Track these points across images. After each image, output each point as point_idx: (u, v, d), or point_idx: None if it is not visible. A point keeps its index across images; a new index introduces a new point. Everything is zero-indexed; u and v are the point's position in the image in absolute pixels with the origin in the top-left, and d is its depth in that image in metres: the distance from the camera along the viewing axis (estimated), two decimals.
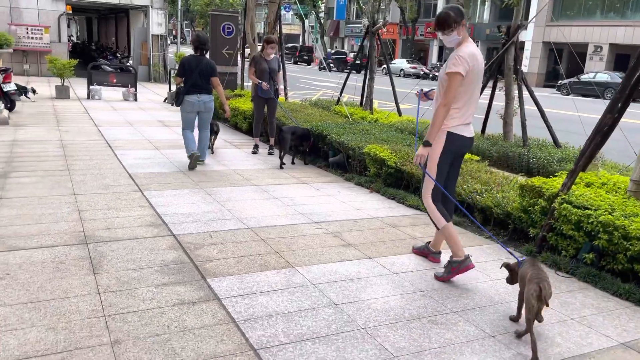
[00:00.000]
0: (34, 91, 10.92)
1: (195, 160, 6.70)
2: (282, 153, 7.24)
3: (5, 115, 9.27)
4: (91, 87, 14.05)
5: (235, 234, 4.40)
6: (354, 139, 7.06)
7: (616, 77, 27.52)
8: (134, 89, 14.41)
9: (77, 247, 3.94)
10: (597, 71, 28.88)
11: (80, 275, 3.47)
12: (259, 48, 8.50)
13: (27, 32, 18.98)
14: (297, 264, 3.88)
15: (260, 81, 7.72)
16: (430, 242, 4.25)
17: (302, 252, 4.12)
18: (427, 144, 3.66)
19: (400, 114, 11.45)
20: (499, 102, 8.68)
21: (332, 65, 40.93)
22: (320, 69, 40.04)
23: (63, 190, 5.41)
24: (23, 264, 3.60)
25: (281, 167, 7.18)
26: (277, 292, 3.40)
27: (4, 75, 10.35)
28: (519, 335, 3.03)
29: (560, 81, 28.98)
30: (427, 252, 4.21)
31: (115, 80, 14.69)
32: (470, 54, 3.54)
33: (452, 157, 3.77)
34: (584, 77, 28.16)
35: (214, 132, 7.81)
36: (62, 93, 13.65)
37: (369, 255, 4.14)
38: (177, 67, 7.14)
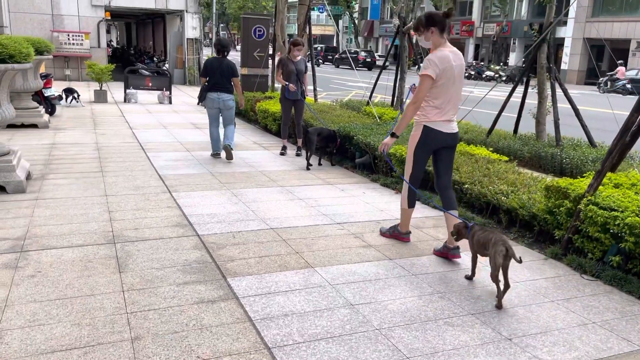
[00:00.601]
0: (60, 98, 11.36)
1: (228, 153, 7.47)
2: (308, 154, 7.30)
3: (45, 120, 9.66)
4: (128, 90, 14.48)
5: (258, 235, 4.47)
6: (380, 140, 7.05)
7: None
8: (168, 92, 14.76)
9: (105, 246, 4.10)
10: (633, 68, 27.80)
11: (106, 274, 3.61)
12: None
13: (69, 39, 19.70)
14: (316, 264, 3.92)
15: (287, 83, 7.81)
16: (446, 240, 4.24)
17: (322, 252, 4.16)
18: (393, 135, 4.17)
19: None
20: (532, 101, 8.52)
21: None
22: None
23: (95, 191, 5.62)
24: (54, 262, 3.77)
25: (308, 169, 7.25)
26: (294, 292, 3.45)
27: (45, 80, 10.78)
28: (498, 307, 3.40)
29: (601, 79, 28.06)
30: (446, 252, 4.20)
31: (150, 84, 15.09)
32: (440, 58, 3.87)
33: (429, 150, 4.17)
34: (628, 74, 27.14)
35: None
36: (100, 97, 14.11)
37: (388, 257, 4.15)
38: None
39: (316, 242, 4.37)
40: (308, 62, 9.14)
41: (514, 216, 4.88)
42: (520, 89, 8.91)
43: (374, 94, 12.02)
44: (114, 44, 53.37)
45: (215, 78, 7.33)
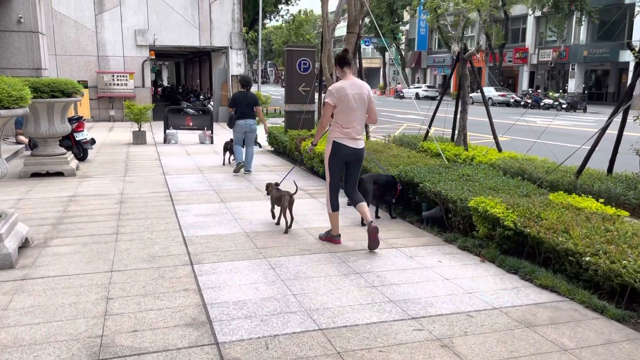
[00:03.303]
0: (93, 142, 10.56)
1: (239, 167, 9.15)
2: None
3: (72, 167, 8.82)
4: (167, 131, 13.72)
5: (301, 342, 3.15)
6: (453, 188, 5.67)
7: None
8: (210, 132, 13.91)
9: None
10: None
11: None
12: None
13: (113, 79, 19.45)
14: None
15: None
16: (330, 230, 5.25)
17: None
18: (313, 145, 5.44)
19: (500, 149, 9.85)
20: (634, 133, 6.92)
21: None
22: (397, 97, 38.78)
23: (100, 264, 4.49)
24: None
25: (363, 224, 5.92)
26: None
27: (76, 124, 10.05)
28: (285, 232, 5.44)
29: None
30: (330, 238, 5.25)
31: (192, 123, 14.30)
32: (336, 88, 4.86)
33: (339, 161, 5.07)
34: None
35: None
36: (139, 138, 13.40)
37: None
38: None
39: (387, 357, 3.01)
40: None
41: None
42: (617, 119, 7.32)
43: (428, 128, 10.64)
44: (165, 83, 54.76)
45: (241, 108, 8.87)
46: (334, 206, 5.15)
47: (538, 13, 38.05)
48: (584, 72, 38.64)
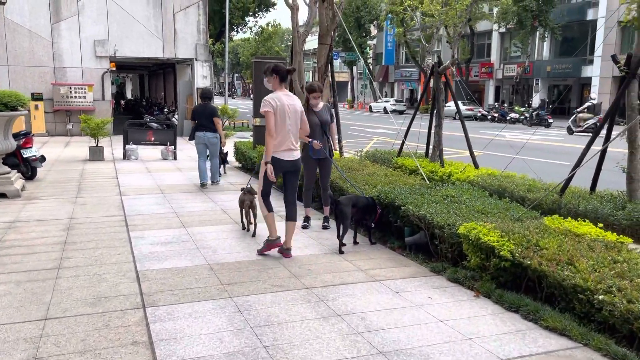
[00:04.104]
0: (43, 159, 9.74)
1: (203, 187, 9.12)
2: (341, 233, 5.41)
3: (17, 187, 7.98)
4: (127, 146, 12.90)
5: None
6: (439, 212, 5.17)
7: None
8: (173, 147, 13.15)
9: None
10: None
11: None
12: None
13: (70, 91, 18.45)
14: None
15: (310, 140, 6.05)
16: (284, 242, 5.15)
17: None
18: (266, 163, 4.99)
19: (476, 165, 9.50)
20: (617, 149, 6.61)
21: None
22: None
23: (33, 310, 3.78)
24: None
25: (340, 252, 5.35)
26: None
27: (23, 139, 9.20)
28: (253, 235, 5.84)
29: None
30: (272, 245, 5.21)
31: (153, 138, 13.52)
32: (273, 98, 4.95)
33: (276, 173, 5.01)
34: None
35: (224, 160, 10.48)
36: (96, 154, 12.53)
37: None
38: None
39: None
40: (332, 108, 7.36)
41: None
42: (599, 139, 7.03)
43: (399, 142, 10.23)
44: (129, 96, 53.23)
45: (201, 120, 8.93)
46: (269, 207, 5.18)
47: (503, 29, 38.66)
48: (548, 87, 39.37)
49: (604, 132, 6.95)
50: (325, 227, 6.41)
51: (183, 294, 4.13)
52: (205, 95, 9.33)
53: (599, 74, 33.08)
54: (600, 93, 33.66)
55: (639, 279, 3.56)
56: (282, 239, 5.26)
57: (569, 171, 7.25)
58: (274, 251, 5.28)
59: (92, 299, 4.00)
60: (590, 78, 34.40)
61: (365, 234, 5.96)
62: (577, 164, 7.19)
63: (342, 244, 5.40)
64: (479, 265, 4.45)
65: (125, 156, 12.85)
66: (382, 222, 5.96)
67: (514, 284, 4.23)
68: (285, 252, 5.18)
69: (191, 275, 4.58)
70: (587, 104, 25.78)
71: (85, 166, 11.52)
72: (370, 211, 5.74)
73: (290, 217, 5.25)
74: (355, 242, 5.75)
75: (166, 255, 5.16)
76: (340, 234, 5.39)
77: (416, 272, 4.80)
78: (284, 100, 4.99)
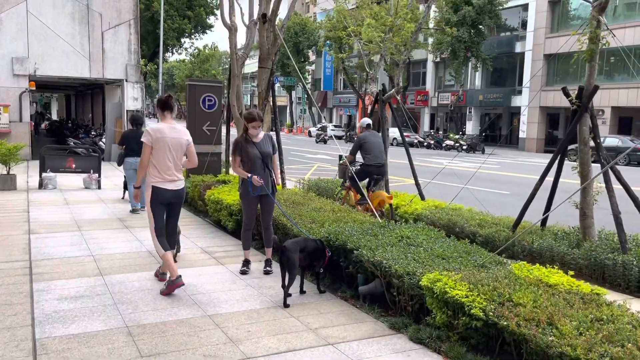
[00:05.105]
0: None
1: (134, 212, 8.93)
2: (286, 283, 4.71)
3: None
4: (44, 174, 11.61)
5: None
6: (395, 257, 4.60)
7: (628, 142, 25.69)
8: (97, 175, 12.00)
9: None
10: (605, 135, 26.73)
11: None
12: None
13: None
14: None
15: (249, 175, 5.36)
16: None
17: None
18: (135, 187, 5.42)
19: (422, 197, 9.14)
20: (569, 180, 6.38)
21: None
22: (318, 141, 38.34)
23: None
24: None
25: (286, 305, 4.65)
26: None
27: None
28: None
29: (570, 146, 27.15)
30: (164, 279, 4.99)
31: (74, 165, 12.28)
32: (154, 129, 4.98)
33: (160, 203, 5.02)
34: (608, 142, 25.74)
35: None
36: (7, 183, 11.17)
37: None
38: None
39: None
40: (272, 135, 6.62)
41: None
42: (550, 175, 6.80)
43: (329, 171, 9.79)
44: (54, 117, 50.15)
45: (131, 145, 8.72)
46: (165, 246, 5.01)
47: (437, 59, 39.80)
48: (480, 115, 40.75)
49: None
50: (267, 272, 5.69)
51: None
52: (136, 121, 9.08)
53: (527, 103, 34.54)
54: (529, 122, 35.15)
55: (629, 343, 3.12)
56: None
57: (521, 204, 7.00)
58: (201, 296, 4.51)
59: None
60: (519, 107, 35.87)
61: (312, 280, 5.31)
62: (529, 200, 6.95)
63: (287, 295, 4.71)
64: (446, 323, 3.90)
65: (42, 185, 11.56)
66: (331, 265, 5.33)
67: (486, 346, 3.70)
68: (177, 282, 4.92)
69: (103, 344, 3.73)
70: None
71: None
72: (319, 256, 5.10)
73: (168, 246, 5.10)
74: (302, 292, 5.08)
75: (74, 315, 4.26)
76: (286, 284, 4.70)
77: (374, 330, 4.18)
78: (166, 133, 4.98)
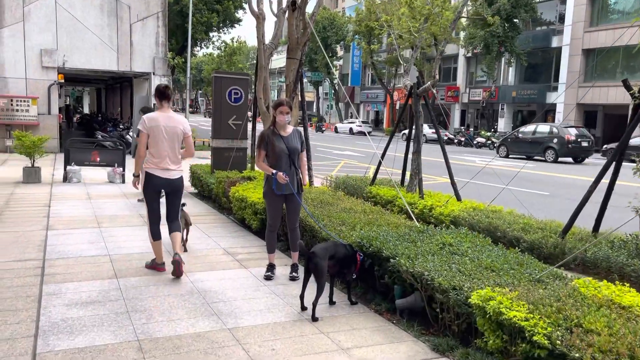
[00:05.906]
0: None
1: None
2: (315, 294, 4.22)
3: None
4: (68, 167, 11.41)
5: None
6: (438, 267, 4.08)
7: None
8: (121, 169, 11.75)
9: None
10: None
11: None
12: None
13: (12, 104, 16.77)
14: None
15: (274, 171, 4.90)
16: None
17: None
18: (134, 175, 5.29)
19: (459, 197, 8.53)
20: (629, 183, 5.74)
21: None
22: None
23: None
24: None
25: (314, 319, 4.17)
26: None
27: None
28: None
29: (605, 146, 26.11)
30: (155, 266, 5.28)
31: (99, 159, 12.07)
32: (149, 118, 5.04)
33: (154, 190, 5.16)
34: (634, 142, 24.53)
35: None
36: (31, 176, 11.00)
37: None
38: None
39: None
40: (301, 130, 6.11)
41: None
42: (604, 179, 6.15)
43: (367, 166, 9.19)
44: (86, 110, 50.79)
45: None
46: (155, 235, 5.21)
47: (469, 54, 38.72)
48: (513, 112, 39.53)
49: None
50: (293, 279, 5.22)
51: None
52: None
53: (563, 100, 33.27)
54: (564, 120, 33.87)
55: None
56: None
57: (563, 206, 6.37)
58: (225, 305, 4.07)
59: None
60: (555, 105, 34.60)
61: (343, 289, 4.82)
62: (582, 203, 6.30)
63: (315, 308, 4.23)
64: (500, 348, 3.36)
65: (66, 178, 11.36)
66: (362, 272, 4.83)
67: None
68: (159, 267, 5.28)
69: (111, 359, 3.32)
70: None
71: (15, 190, 10.00)
72: (350, 262, 4.61)
73: (173, 229, 5.27)
74: (332, 302, 4.59)
75: (83, 325, 3.87)
76: (315, 297, 4.22)
77: (415, 352, 3.67)
78: (161, 121, 5.04)
